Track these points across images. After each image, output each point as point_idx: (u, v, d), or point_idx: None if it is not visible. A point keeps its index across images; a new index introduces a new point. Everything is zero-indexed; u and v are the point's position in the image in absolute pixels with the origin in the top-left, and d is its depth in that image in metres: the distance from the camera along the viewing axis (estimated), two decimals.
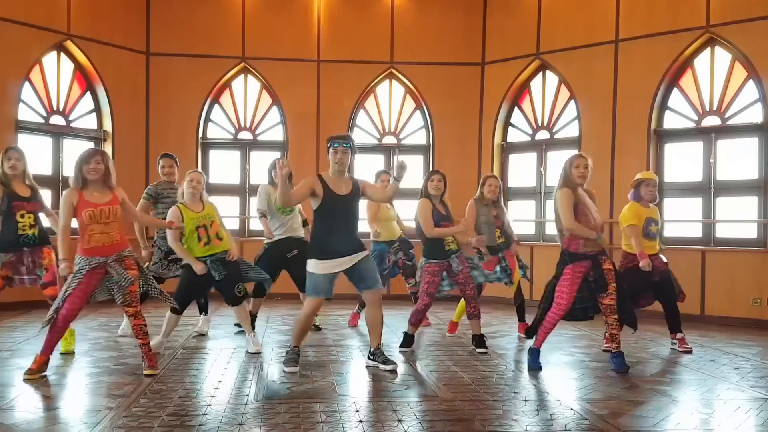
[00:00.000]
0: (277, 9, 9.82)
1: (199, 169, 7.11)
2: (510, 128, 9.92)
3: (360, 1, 9.94)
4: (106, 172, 4.69)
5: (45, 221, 5.51)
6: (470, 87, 9.95)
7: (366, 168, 10.00)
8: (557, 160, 9.05)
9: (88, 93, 9.21)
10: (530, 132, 9.73)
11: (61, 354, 5.35)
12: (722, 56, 8.18)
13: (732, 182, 8.16)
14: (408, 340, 5.93)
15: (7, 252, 5.18)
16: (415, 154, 10.15)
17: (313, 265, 4.84)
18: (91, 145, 9.16)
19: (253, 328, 6.73)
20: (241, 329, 6.66)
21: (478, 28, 9.95)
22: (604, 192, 8.34)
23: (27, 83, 8.50)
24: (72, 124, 9.07)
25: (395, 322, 7.13)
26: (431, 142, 10.05)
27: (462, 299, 6.22)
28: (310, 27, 9.87)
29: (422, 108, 10.11)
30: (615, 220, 7.82)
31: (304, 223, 6.63)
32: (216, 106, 10.00)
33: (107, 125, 9.26)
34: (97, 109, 9.29)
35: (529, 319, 5.63)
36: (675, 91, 8.52)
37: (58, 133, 8.89)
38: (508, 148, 9.95)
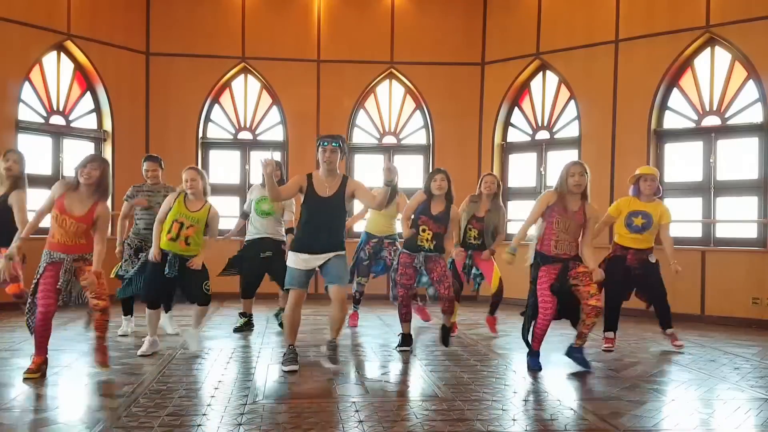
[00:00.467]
0: (277, 9, 9.81)
1: (197, 166, 7.05)
2: (510, 128, 9.92)
3: (360, 1, 9.93)
4: (100, 182, 4.66)
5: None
6: (470, 87, 9.95)
7: (366, 168, 10.02)
8: (557, 160, 9.06)
9: (88, 93, 9.20)
10: (530, 132, 9.73)
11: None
12: (722, 56, 8.18)
13: (732, 182, 8.16)
14: (406, 340, 5.90)
15: None
16: (415, 154, 10.16)
17: (289, 257, 5.02)
18: (90, 144, 9.20)
19: (251, 327, 6.75)
20: (240, 328, 6.67)
21: (478, 28, 9.94)
22: (604, 192, 8.34)
23: (27, 83, 8.49)
24: (72, 124, 9.06)
25: (395, 322, 7.10)
26: (431, 142, 10.05)
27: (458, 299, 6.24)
28: (310, 27, 9.87)
29: (422, 108, 10.11)
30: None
31: (290, 231, 6.64)
32: (216, 106, 10.00)
33: (107, 125, 9.25)
34: (97, 109, 9.29)
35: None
36: (675, 91, 8.53)
37: (58, 133, 8.89)
38: (508, 148, 9.95)
